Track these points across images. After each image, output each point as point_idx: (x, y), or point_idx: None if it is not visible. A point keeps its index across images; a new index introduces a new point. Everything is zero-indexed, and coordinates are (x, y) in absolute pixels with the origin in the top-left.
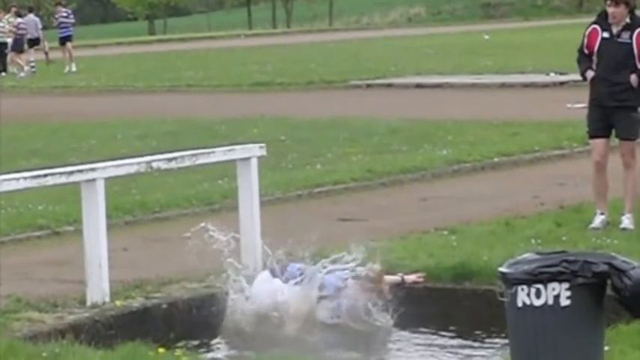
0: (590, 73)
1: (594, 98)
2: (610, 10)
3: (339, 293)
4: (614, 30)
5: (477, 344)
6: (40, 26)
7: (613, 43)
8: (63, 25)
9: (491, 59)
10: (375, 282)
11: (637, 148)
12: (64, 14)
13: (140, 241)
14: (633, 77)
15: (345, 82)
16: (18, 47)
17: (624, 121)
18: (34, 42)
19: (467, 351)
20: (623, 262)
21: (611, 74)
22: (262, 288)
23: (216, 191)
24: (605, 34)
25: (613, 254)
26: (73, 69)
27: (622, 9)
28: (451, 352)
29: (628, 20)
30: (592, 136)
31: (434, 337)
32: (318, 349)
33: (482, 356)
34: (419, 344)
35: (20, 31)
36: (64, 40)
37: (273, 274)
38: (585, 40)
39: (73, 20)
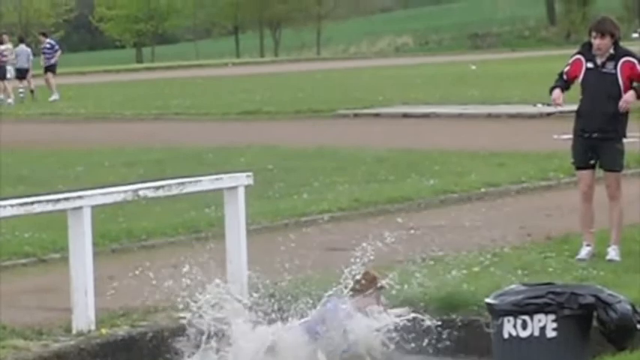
0: (557, 92)
1: (579, 129)
2: (596, 42)
3: (342, 319)
4: (599, 61)
5: None
6: (31, 57)
7: (598, 74)
8: (46, 57)
9: (478, 89)
10: (369, 283)
11: (622, 179)
12: (48, 45)
13: (126, 269)
14: (621, 103)
15: (333, 112)
16: (1, 74)
17: (609, 153)
18: (23, 73)
19: None
20: (610, 295)
21: (596, 105)
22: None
23: (203, 220)
24: (590, 65)
25: (599, 287)
26: (56, 97)
27: (607, 40)
28: None
29: (612, 51)
30: (578, 167)
31: None
32: None
33: None
34: None
35: (3, 58)
36: (46, 70)
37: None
38: (567, 68)
39: (57, 51)
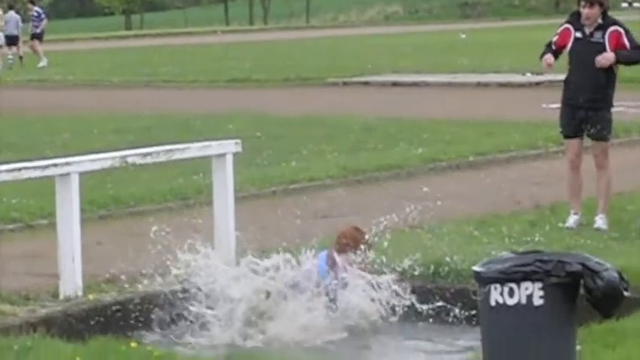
0: (548, 55)
1: (567, 98)
2: (585, 11)
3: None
4: (587, 30)
5: (450, 342)
6: (20, 24)
7: (586, 43)
8: (34, 24)
9: (468, 58)
10: (357, 240)
11: (610, 148)
12: (35, 14)
13: (114, 236)
14: (599, 58)
15: (322, 80)
16: None
17: (597, 122)
18: (13, 40)
19: (440, 347)
20: (597, 263)
21: (583, 74)
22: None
23: (191, 187)
24: (578, 34)
25: (586, 255)
26: (44, 64)
27: (596, 10)
28: (423, 350)
29: (600, 20)
30: (566, 136)
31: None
32: None
33: (457, 352)
34: (394, 339)
35: None
36: (32, 37)
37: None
38: (556, 38)
39: (42, 20)
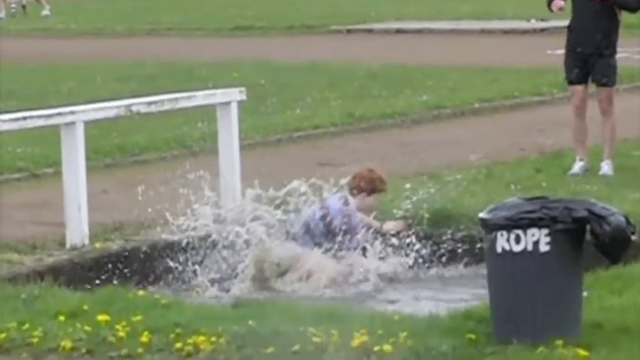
0: (557, 2)
1: (571, 45)
2: None
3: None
4: None
5: (455, 289)
6: None
7: None
8: None
9: (471, 5)
10: (371, 182)
11: (614, 94)
12: None
13: (119, 184)
14: None
15: (326, 27)
16: None
17: (601, 68)
18: None
19: (445, 296)
20: (603, 208)
21: (587, 20)
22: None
23: (196, 135)
24: None
25: (592, 200)
26: (47, 12)
27: None
28: (430, 298)
29: None
30: (570, 82)
31: (415, 281)
32: None
33: (462, 300)
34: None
35: None
36: None
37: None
38: None
39: None
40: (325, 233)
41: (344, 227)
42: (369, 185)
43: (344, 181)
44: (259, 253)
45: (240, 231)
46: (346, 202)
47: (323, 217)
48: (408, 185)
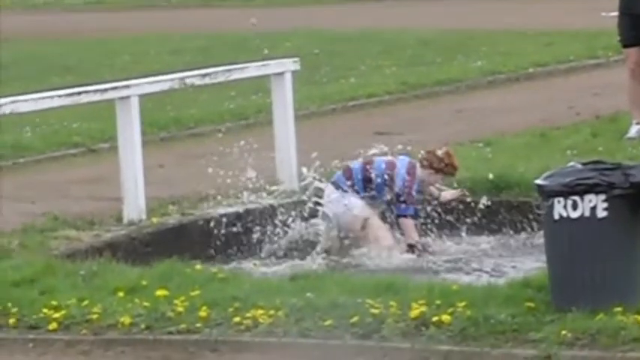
0: None
1: (625, 7)
2: None
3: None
4: None
5: (513, 255)
6: None
7: None
8: None
9: None
10: (445, 166)
11: None
12: None
13: (175, 158)
14: None
15: None
16: None
17: None
18: None
19: (502, 261)
20: None
21: None
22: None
23: (250, 106)
24: None
25: None
26: None
27: None
28: (487, 263)
29: None
30: (625, 45)
31: (471, 246)
32: None
33: (518, 268)
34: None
35: None
36: None
37: (337, 186)
38: None
39: None
40: (381, 187)
41: (404, 193)
42: (439, 165)
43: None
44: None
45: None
46: (411, 169)
47: (387, 175)
48: (463, 152)
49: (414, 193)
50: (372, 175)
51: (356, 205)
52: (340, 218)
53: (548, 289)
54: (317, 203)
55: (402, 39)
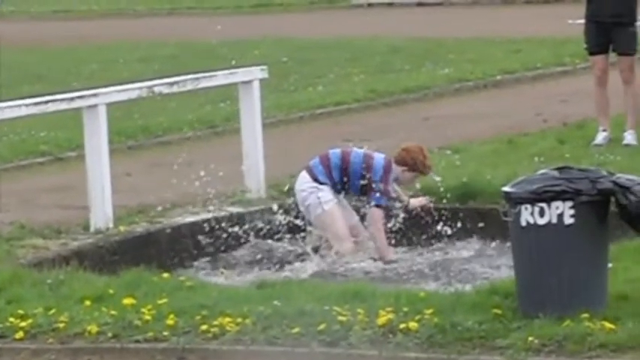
0: None
1: (591, 14)
2: None
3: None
4: None
5: (480, 263)
6: None
7: None
8: None
9: None
10: (416, 163)
11: (636, 63)
12: None
13: (143, 166)
14: None
15: (347, 2)
16: None
17: (622, 37)
18: None
19: (470, 267)
20: (628, 179)
21: None
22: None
23: (219, 114)
24: None
25: (616, 171)
26: None
27: None
28: (454, 270)
29: None
30: (591, 53)
31: (438, 253)
32: None
33: (485, 275)
34: (423, 261)
35: None
36: None
37: (311, 174)
38: None
39: None
40: (357, 176)
41: (379, 183)
42: (413, 163)
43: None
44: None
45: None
46: (388, 164)
47: (365, 164)
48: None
49: (389, 187)
50: (350, 162)
51: (327, 200)
52: (312, 211)
53: (515, 295)
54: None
55: (371, 47)
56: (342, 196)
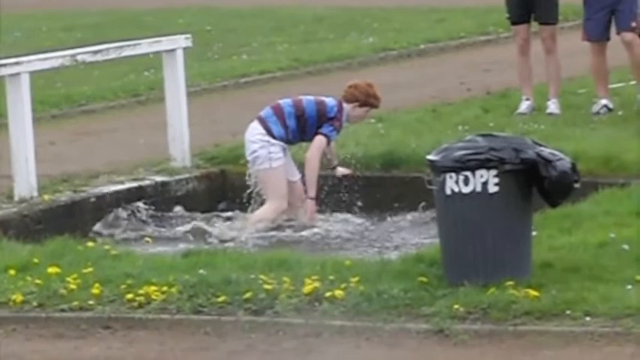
0: None
1: None
2: None
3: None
4: None
5: (405, 231)
6: None
7: None
8: None
9: None
10: (367, 95)
11: (559, 31)
12: None
13: (67, 135)
14: None
15: None
16: None
17: (543, 6)
18: None
19: (394, 236)
20: (551, 153)
21: None
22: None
23: (143, 83)
24: None
25: (540, 142)
26: None
27: None
28: (380, 240)
29: None
30: (514, 22)
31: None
32: None
33: (412, 244)
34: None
35: None
36: None
37: (263, 124)
38: None
39: None
40: (313, 121)
41: (334, 119)
42: (363, 97)
43: None
44: None
45: None
46: (339, 104)
47: (318, 109)
48: (355, 128)
49: (341, 123)
50: (304, 108)
51: (277, 158)
52: (258, 164)
53: (440, 263)
54: None
55: (296, 16)
56: (288, 152)
